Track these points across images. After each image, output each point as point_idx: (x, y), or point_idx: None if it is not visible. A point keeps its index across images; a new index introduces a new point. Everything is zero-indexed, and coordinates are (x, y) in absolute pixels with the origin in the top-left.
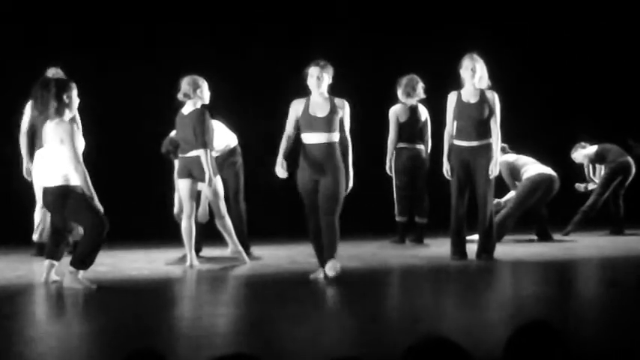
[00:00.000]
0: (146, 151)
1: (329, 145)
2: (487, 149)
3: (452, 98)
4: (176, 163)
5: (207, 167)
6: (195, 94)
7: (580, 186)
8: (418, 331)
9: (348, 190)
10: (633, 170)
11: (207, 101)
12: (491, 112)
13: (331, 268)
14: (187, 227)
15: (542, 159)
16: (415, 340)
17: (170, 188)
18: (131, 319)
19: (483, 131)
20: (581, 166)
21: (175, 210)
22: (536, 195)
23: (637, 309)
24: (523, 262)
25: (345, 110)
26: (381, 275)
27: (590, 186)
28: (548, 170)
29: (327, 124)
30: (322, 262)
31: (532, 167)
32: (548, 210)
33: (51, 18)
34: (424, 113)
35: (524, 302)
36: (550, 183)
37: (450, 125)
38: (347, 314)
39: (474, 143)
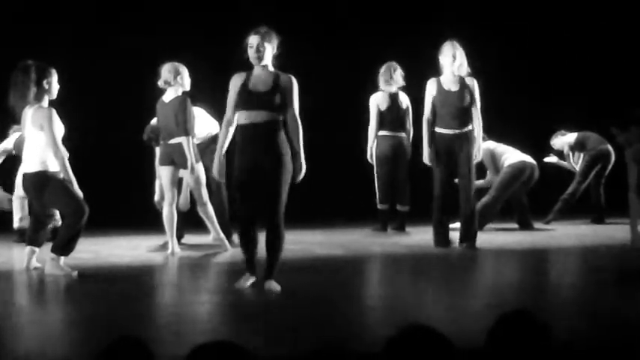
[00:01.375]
0: (127, 138)
1: (270, 125)
2: (469, 136)
3: (431, 85)
4: (157, 150)
5: (189, 154)
6: (175, 81)
7: (549, 159)
8: (401, 320)
9: (300, 178)
10: (613, 158)
11: (188, 88)
12: (472, 99)
13: (270, 289)
14: (169, 214)
15: (522, 147)
16: (398, 329)
17: (151, 175)
18: (113, 306)
19: (465, 119)
20: (561, 153)
21: (156, 197)
22: (518, 181)
23: (618, 299)
24: (505, 250)
25: (292, 87)
26: (363, 263)
27: (557, 160)
28: (528, 158)
29: (268, 101)
30: (252, 268)
31: (513, 155)
32: (528, 198)
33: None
34: (405, 101)
35: (506, 291)
36: (531, 170)
37: (429, 112)
38: (330, 302)
39: (456, 131)
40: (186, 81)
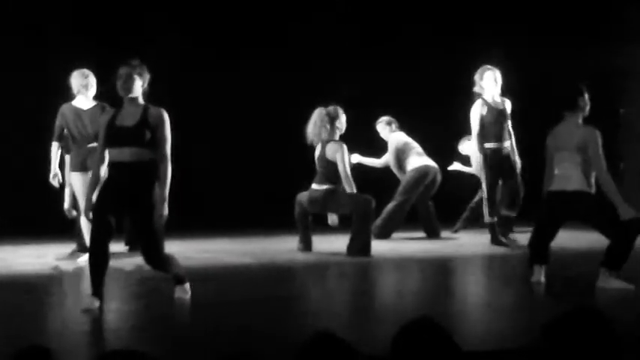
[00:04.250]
0: (35, 145)
1: (139, 165)
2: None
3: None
4: (67, 157)
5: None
6: (86, 87)
7: (452, 167)
8: (308, 328)
9: (163, 221)
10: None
11: (93, 94)
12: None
13: (180, 296)
14: (86, 222)
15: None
16: (304, 337)
17: (61, 182)
18: (19, 315)
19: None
20: (467, 158)
21: (66, 205)
22: (422, 184)
23: (521, 306)
24: (411, 258)
25: (162, 122)
26: (270, 272)
27: (461, 167)
28: (431, 162)
29: (135, 136)
30: (99, 292)
31: (417, 159)
32: (435, 207)
33: None
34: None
35: (411, 299)
36: (434, 174)
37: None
38: (237, 311)
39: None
40: (94, 88)
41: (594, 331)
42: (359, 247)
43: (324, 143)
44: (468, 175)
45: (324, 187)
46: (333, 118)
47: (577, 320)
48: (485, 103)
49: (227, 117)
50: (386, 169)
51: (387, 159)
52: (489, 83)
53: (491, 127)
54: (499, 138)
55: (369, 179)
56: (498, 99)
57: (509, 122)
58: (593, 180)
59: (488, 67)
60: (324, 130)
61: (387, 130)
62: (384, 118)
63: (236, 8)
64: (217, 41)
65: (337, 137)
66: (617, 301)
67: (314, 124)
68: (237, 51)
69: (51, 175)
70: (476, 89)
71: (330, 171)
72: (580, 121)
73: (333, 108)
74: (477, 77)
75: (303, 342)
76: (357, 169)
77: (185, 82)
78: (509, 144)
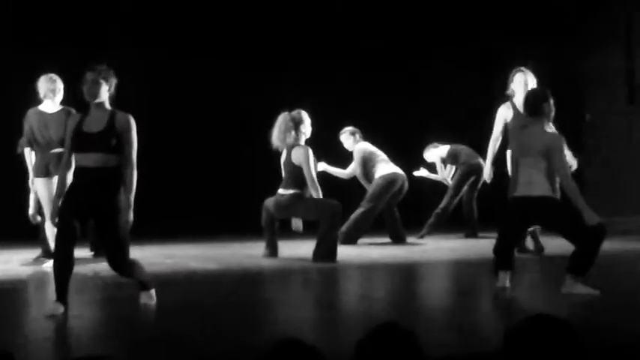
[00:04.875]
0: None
1: (105, 172)
2: None
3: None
4: (32, 162)
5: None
6: (54, 92)
7: (418, 173)
8: (273, 333)
9: (128, 227)
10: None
11: (60, 98)
12: None
13: (145, 302)
14: (51, 227)
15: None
16: (270, 343)
17: (23, 187)
18: None
19: None
20: (432, 165)
21: (31, 210)
22: (390, 192)
23: (485, 312)
24: (376, 264)
25: (129, 127)
26: (236, 278)
27: (427, 173)
28: (398, 169)
29: (101, 142)
30: (63, 297)
31: (384, 166)
32: (401, 213)
33: None
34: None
35: (376, 304)
36: (402, 182)
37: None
38: (205, 317)
39: None
40: (61, 93)
41: (556, 338)
42: (325, 252)
43: (290, 148)
44: (434, 181)
45: (291, 192)
46: (297, 123)
47: (539, 327)
48: (513, 106)
49: (193, 121)
50: (352, 177)
51: (353, 169)
52: (519, 86)
53: None
54: None
55: (336, 185)
56: None
57: None
58: (557, 185)
59: (521, 68)
60: (289, 135)
61: (352, 140)
62: (348, 129)
63: (204, 9)
64: (180, 43)
65: (302, 142)
66: (582, 307)
67: (278, 129)
68: (202, 55)
69: (30, 181)
70: (508, 92)
71: (296, 176)
72: (545, 126)
73: (297, 112)
74: (509, 80)
75: (269, 348)
76: (324, 175)
77: (149, 87)
78: None
